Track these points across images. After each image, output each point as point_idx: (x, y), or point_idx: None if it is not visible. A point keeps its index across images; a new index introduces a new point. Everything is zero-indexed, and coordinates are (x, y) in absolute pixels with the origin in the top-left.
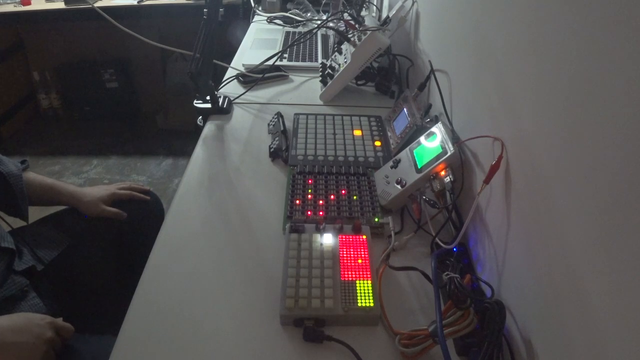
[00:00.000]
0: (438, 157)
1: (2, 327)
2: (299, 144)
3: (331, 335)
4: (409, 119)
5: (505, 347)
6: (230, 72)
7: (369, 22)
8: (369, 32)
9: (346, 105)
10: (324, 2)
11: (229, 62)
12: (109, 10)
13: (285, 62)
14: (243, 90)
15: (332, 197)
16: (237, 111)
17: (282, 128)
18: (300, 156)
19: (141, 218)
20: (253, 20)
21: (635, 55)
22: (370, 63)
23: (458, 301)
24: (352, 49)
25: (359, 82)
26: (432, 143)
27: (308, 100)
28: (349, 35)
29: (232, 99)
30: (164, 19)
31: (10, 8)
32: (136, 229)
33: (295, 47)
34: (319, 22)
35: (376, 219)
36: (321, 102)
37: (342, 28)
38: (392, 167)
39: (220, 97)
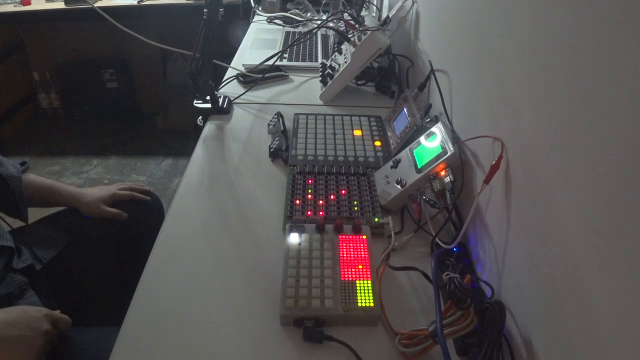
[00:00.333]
0: (438, 157)
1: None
2: (299, 144)
3: (331, 335)
4: (409, 119)
5: (505, 347)
6: (230, 72)
7: (369, 22)
8: (369, 32)
9: (346, 105)
10: (324, 2)
11: (229, 62)
12: (109, 10)
13: (285, 62)
14: (243, 90)
15: (332, 197)
16: (237, 111)
17: (282, 128)
18: (300, 156)
19: (141, 218)
20: (253, 20)
21: (635, 55)
22: (370, 63)
23: (458, 301)
24: (352, 49)
25: (359, 82)
26: (432, 143)
27: (308, 100)
28: (349, 35)
29: (232, 99)
30: (164, 19)
31: (10, 8)
32: (136, 229)
33: (295, 47)
34: (319, 22)
35: (376, 219)
36: (321, 102)
37: (342, 28)
38: (392, 167)
39: (220, 97)
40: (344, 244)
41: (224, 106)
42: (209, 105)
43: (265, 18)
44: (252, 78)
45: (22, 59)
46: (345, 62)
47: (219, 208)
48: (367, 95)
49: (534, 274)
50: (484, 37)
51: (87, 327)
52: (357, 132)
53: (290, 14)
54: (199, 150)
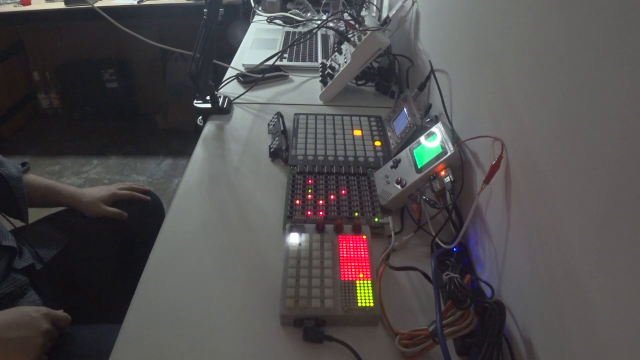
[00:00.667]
0: (438, 157)
1: None
2: (299, 144)
3: (331, 335)
4: (409, 119)
5: (505, 347)
6: (230, 72)
7: (369, 22)
8: (369, 32)
9: (346, 105)
10: (324, 2)
11: (229, 62)
12: (109, 10)
13: (285, 62)
14: (243, 90)
15: (332, 197)
16: (237, 111)
17: (282, 128)
18: (300, 156)
19: (141, 218)
20: (253, 20)
21: (634, 55)
22: (370, 63)
23: (458, 301)
24: (352, 49)
25: (359, 82)
26: (432, 143)
27: (308, 100)
28: (349, 35)
29: (232, 99)
30: (164, 19)
31: (10, 8)
32: (136, 229)
33: (295, 47)
34: (319, 22)
35: (376, 219)
36: (321, 102)
37: (342, 28)
38: (392, 167)
39: (220, 97)
40: (344, 244)
41: (224, 106)
42: (209, 105)
43: (265, 18)
44: (252, 78)
45: (22, 59)
46: (345, 62)
47: (219, 208)
48: (367, 95)
49: (534, 273)
50: (484, 37)
51: (88, 325)
52: (357, 132)
53: (290, 14)
54: (199, 150)
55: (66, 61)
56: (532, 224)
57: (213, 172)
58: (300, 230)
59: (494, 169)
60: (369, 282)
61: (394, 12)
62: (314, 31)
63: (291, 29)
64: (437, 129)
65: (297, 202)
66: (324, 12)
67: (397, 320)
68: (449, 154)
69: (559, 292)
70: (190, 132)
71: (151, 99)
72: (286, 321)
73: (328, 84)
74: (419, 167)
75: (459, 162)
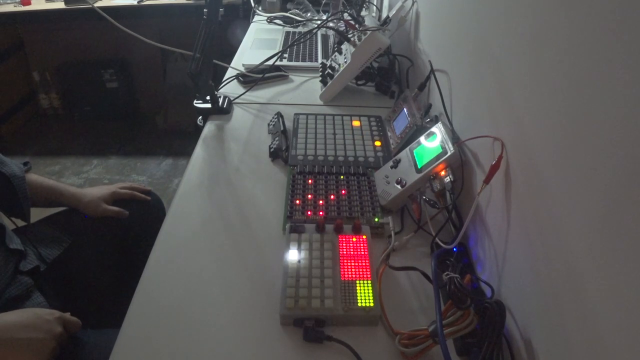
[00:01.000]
0: (438, 157)
1: (14, 323)
2: (299, 144)
3: (331, 335)
4: (409, 119)
5: (505, 347)
6: (230, 72)
7: (369, 22)
8: (369, 32)
9: (346, 105)
10: (324, 2)
11: (229, 62)
12: (109, 10)
13: (285, 62)
14: (243, 90)
15: (332, 197)
16: (237, 111)
17: (282, 128)
18: (300, 156)
19: (142, 218)
20: (253, 20)
21: (634, 55)
22: (370, 63)
23: (458, 301)
24: (352, 49)
25: (359, 82)
26: (432, 143)
27: (308, 100)
28: (349, 35)
29: (232, 99)
30: (164, 19)
31: (10, 8)
32: (137, 228)
33: (295, 47)
34: (319, 22)
35: (376, 219)
36: (321, 102)
37: (342, 28)
38: (392, 167)
39: (220, 97)
40: (344, 244)
41: (224, 106)
42: (209, 105)
43: (265, 18)
44: (252, 78)
45: (22, 59)
46: (345, 62)
47: (219, 208)
48: (367, 95)
49: (534, 274)
50: (484, 37)
51: (96, 330)
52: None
53: (290, 14)
54: (199, 150)
55: (66, 61)
56: (532, 223)
57: (213, 172)
58: (300, 230)
59: (494, 169)
60: (369, 282)
61: (394, 12)
62: (314, 31)
63: (291, 29)
64: (437, 129)
65: (297, 202)
66: (324, 12)
67: (397, 320)
68: (449, 154)
69: (559, 292)
70: (190, 132)
71: (151, 99)
72: (286, 321)
73: (328, 84)
74: (419, 167)
75: (459, 162)
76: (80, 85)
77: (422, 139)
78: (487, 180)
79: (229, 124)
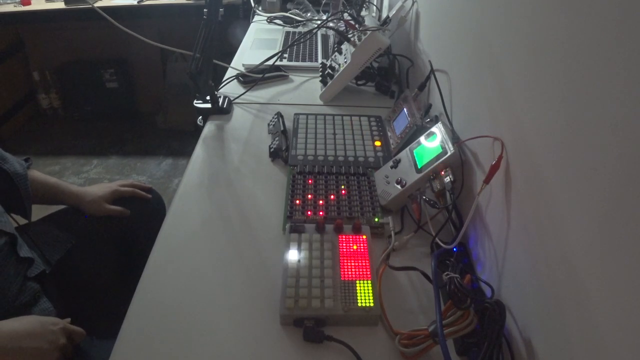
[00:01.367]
0: (438, 157)
1: (18, 331)
2: (299, 144)
3: (331, 335)
4: (409, 119)
5: (505, 347)
6: (230, 72)
7: (369, 22)
8: (369, 32)
9: (346, 105)
10: (324, 2)
11: (229, 62)
12: (109, 10)
13: (285, 62)
14: (243, 90)
15: (332, 197)
16: (237, 111)
17: (282, 128)
18: (300, 156)
19: (143, 216)
20: (253, 20)
21: (634, 55)
22: (370, 63)
23: (458, 301)
24: (352, 49)
25: (359, 82)
26: (432, 143)
27: (308, 100)
28: (349, 35)
29: (232, 99)
30: (164, 19)
31: (10, 8)
32: (138, 226)
33: (295, 47)
34: (319, 22)
35: (376, 219)
36: (321, 102)
37: (342, 28)
38: (392, 167)
39: (220, 97)
40: (344, 244)
41: (224, 106)
42: (209, 105)
43: (265, 18)
44: (252, 78)
45: (22, 59)
46: (345, 62)
47: (219, 208)
48: (367, 95)
49: (534, 273)
50: (484, 37)
51: (97, 339)
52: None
53: (290, 14)
54: (199, 150)
55: (66, 61)
56: (532, 224)
57: (213, 172)
58: (300, 230)
59: (494, 169)
60: (369, 282)
61: (394, 12)
62: (314, 31)
63: (291, 29)
64: (437, 129)
65: (297, 202)
66: (324, 12)
67: (397, 320)
68: (449, 154)
69: (559, 292)
70: (190, 132)
71: (151, 99)
72: (286, 321)
73: (328, 84)
74: (419, 167)
75: (459, 162)
76: (80, 85)
77: (422, 139)
78: (487, 180)
79: (229, 124)
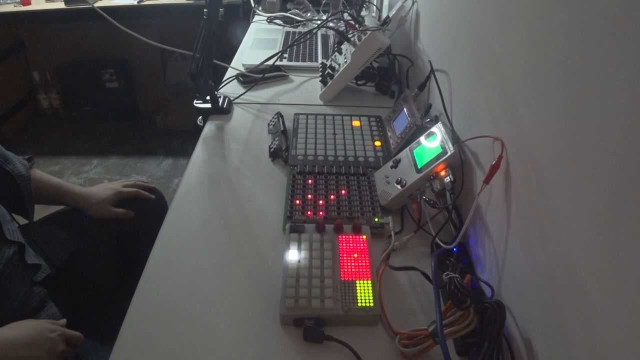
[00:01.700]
0: (438, 157)
1: (14, 340)
2: (299, 144)
3: (331, 335)
4: (409, 119)
5: (505, 347)
6: (230, 72)
7: (369, 22)
8: (369, 32)
9: (346, 105)
10: (324, 2)
11: (229, 62)
12: (109, 10)
13: (285, 62)
14: (243, 90)
15: (332, 197)
16: (237, 111)
17: (282, 128)
18: (300, 156)
19: (146, 216)
20: (253, 20)
21: (634, 55)
22: (370, 63)
23: (458, 301)
24: (352, 49)
25: (359, 82)
26: (432, 143)
27: (308, 100)
28: (349, 35)
29: (232, 99)
30: (164, 19)
31: (10, 8)
32: (142, 227)
33: (295, 47)
34: (319, 22)
35: (376, 219)
36: (321, 102)
37: (342, 28)
38: (392, 167)
39: (220, 97)
40: (344, 244)
41: (224, 106)
42: (209, 105)
43: (265, 18)
44: (252, 78)
45: (22, 59)
46: (345, 62)
47: (219, 208)
48: (367, 95)
49: (534, 274)
50: (484, 37)
51: (100, 343)
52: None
53: (290, 14)
54: (199, 150)
55: (66, 61)
56: (532, 223)
57: (213, 172)
58: (300, 230)
59: (494, 169)
60: (369, 282)
61: (394, 12)
62: (314, 31)
63: (291, 29)
64: (437, 129)
65: (297, 202)
66: (324, 12)
67: (397, 320)
68: (449, 154)
69: (559, 292)
70: (190, 132)
71: (151, 99)
72: (286, 321)
73: (328, 84)
74: (419, 167)
75: (459, 162)
76: (80, 85)
77: (422, 139)
78: (487, 180)
79: (229, 124)
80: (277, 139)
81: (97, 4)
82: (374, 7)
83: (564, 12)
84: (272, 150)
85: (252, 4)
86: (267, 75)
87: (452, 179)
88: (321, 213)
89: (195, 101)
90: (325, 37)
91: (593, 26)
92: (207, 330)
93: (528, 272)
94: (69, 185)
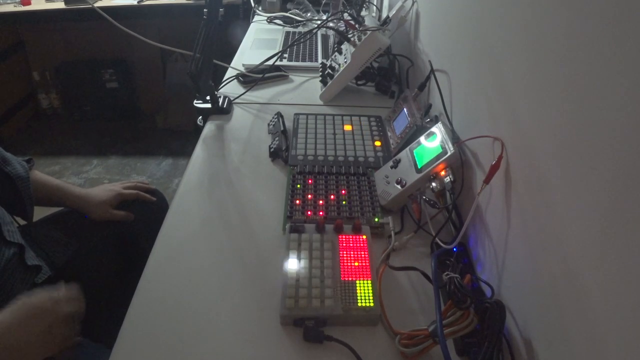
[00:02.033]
0: (438, 157)
1: (5, 323)
2: (299, 144)
3: (331, 335)
4: (409, 119)
5: (505, 347)
6: (230, 72)
7: (369, 22)
8: (369, 32)
9: (346, 105)
10: (324, 2)
11: (229, 62)
12: (109, 10)
13: (285, 62)
14: (243, 90)
15: (332, 197)
16: (237, 111)
17: (282, 128)
18: (300, 156)
19: (147, 218)
20: (253, 20)
21: (634, 54)
22: (370, 63)
23: (458, 301)
24: (352, 49)
25: (359, 82)
26: (432, 143)
27: (308, 100)
28: (349, 35)
29: (232, 99)
30: (164, 19)
31: (10, 8)
32: (142, 229)
33: (295, 47)
34: (319, 22)
35: (376, 219)
36: (321, 102)
37: (342, 28)
38: (392, 167)
39: (220, 97)
40: (344, 244)
41: (224, 106)
42: (209, 105)
43: (265, 18)
44: (252, 78)
45: (22, 59)
46: (345, 62)
47: (219, 208)
48: (367, 95)
49: (534, 273)
50: (484, 37)
51: (105, 343)
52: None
53: (290, 14)
54: (199, 150)
55: (66, 61)
56: (532, 223)
57: (213, 172)
58: (300, 230)
59: (494, 169)
60: (369, 282)
61: (394, 12)
62: (314, 31)
63: (291, 29)
64: (437, 129)
65: (297, 202)
66: (324, 12)
67: (397, 320)
68: (449, 154)
69: (559, 292)
70: (190, 132)
71: (151, 99)
72: (286, 321)
73: (328, 84)
74: (419, 167)
75: (459, 162)
76: (80, 85)
77: (422, 139)
78: (487, 180)
79: (229, 124)
80: (277, 139)
81: (97, 4)
82: (374, 7)
83: (563, 12)
84: (272, 150)
85: (252, 4)
86: (267, 75)
87: (452, 179)
88: (321, 213)
89: (195, 101)
90: (325, 37)
91: (593, 26)
92: (207, 331)
93: (528, 272)
94: (68, 187)
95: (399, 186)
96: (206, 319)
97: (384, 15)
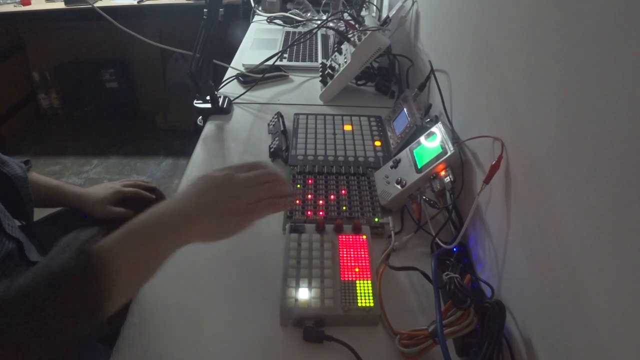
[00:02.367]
0: (438, 157)
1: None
2: (299, 144)
3: (331, 335)
4: (409, 119)
5: (505, 347)
6: (230, 72)
7: (369, 22)
8: (369, 32)
9: (346, 105)
10: (324, 2)
11: (229, 62)
12: (109, 10)
13: (285, 62)
14: (243, 90)
15: (332, 197)
16: (237, 111)
17: (282, 128)
18: (300, 156)
19: None
20: (253, 20)
21: (633, 55)
22: (370, 63)
23: (458, 301)
24: (352, 49)
25: (359, 82)
26: (432, 143)
27: (308, 100)
28: (349, 35)
29: (232, 99)
30: (164, 19)
31: (10, 8)
32: None
33: (295, 47)
34: (319, 22)
35: (376, 219)
36: (321, 102)
37: (342, 28)
38: (392, 167)
39: (220, 97)
40: (344, 244)
41: (224, 106)
42: (209, 105)
43: (265, 18)
44: (252, 78)
45: (22, 59)
46: (345, 62)
47: None
48: (367, 95)
49: (534, 273)
50: (483, 37)
51: (104, 345)
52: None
53: (290, 14)
54: (199, 150)
55: (66, 61)
56: (532, 223)
57: None
58: (300, 230)
59: (494, 169)
60: (369, 282)
61: (394, 12)
62: (314, 31)
63: (291, 29)
64: (437, 129)
65: (297, 202)
66: (324, 12)
67: (397, 320)
68: (449, 154)
69: (559, 292)
70: (190, 132)
71: (151, 99)
72: (286, 321)
73: (328, 84)
74: (419, 167)
75: (459, 162)
76: (80, 85)
77: (422, 139)
78: (487, 180)
79: (229, 124)
80: (277, 139)
81: (97, 4)
82: (374, 7)
83: (563, 12)
84: (272, 150)
85: (252, 4)
86: (267, 75)
87: (452, 179)
88: (321, 213)
89: (195, 101)
90: (325, 37)
91: (592, 26)
92: (207, 330)
93: (528, 272)
94: (67, 187)
95: (399, 186)
96: (206, 319)
97: (384, 15)
